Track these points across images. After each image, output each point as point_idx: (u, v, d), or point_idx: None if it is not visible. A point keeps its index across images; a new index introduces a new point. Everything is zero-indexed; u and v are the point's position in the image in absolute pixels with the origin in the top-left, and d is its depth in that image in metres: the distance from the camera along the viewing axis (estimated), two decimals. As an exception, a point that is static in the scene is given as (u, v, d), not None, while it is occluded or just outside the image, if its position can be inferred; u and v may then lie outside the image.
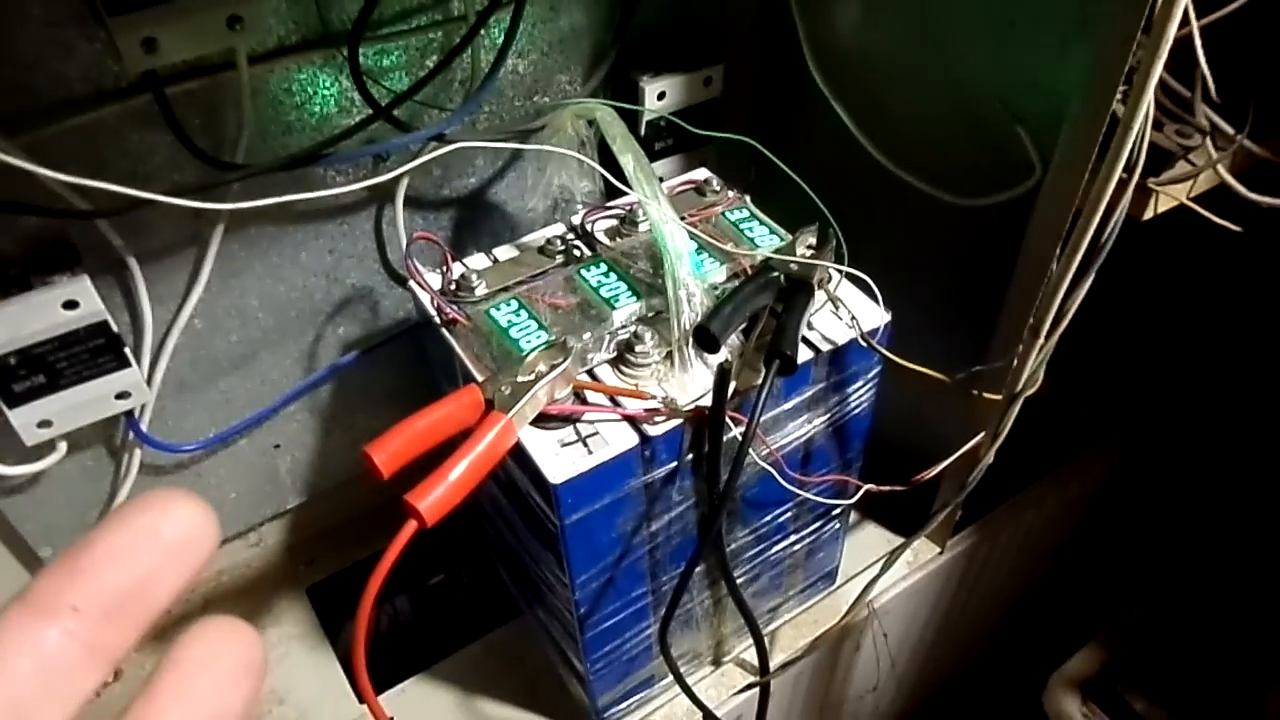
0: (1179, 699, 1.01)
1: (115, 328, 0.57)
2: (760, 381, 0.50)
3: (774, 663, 0.73)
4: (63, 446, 0.61)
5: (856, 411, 0.61)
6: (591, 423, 0.51)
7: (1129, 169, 0.46)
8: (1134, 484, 1.06)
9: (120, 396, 0.60)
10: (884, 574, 0.72)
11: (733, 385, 0.51)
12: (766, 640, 0.72)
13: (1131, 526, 1.15)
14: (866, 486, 0.64)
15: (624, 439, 0.51)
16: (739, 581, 0.66)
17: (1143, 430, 1.01)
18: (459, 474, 0.45)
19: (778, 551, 0.68)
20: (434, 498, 0.45)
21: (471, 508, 0.50)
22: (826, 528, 0.71)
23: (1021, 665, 1.14)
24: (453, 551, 0.86)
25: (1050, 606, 1.19)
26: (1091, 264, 0.48)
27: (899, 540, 0.84)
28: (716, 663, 0.75)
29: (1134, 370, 1.05)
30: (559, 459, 0.50)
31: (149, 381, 0.64)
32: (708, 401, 0.51)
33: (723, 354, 0.53)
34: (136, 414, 0.63)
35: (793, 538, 0.68)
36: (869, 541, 0.84)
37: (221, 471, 0.75)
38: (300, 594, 0.83)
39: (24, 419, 0.57)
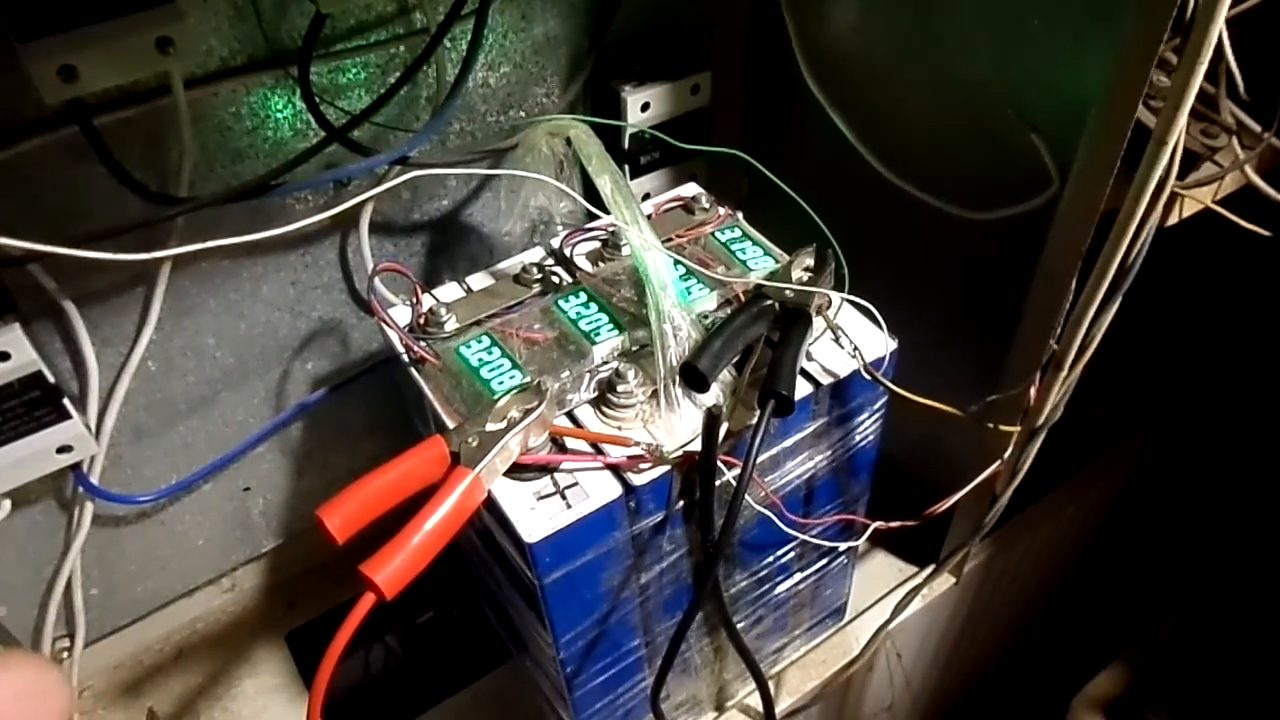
0: (1210, 721, 0.96)
1: (52, 378, 0.52)
2: (754, 424, 0.46)
3: (780, 707, 0.69)
4: (5, 505, 0.57)
5: (862, 445, 0.57)
6: (570, 472, 0.47)
7: (1162, 178, 0.41)
8: (1157, 488, 1.02)
9: (62, 450, 0.55)
10: (896, 617, 0.67)
11: (724, 427, 0.46)
12: (772, 684, 0.68)
13: (1156, 535, 1.10)
14: (875, 524, 0.59)
15: (606, 490, 0.46)
16: (740, 626, 0.61)
17: (1164, 432, 0.97)
18: (419, 541, 0.41)
19: (781, 593, 0.63)
20: (392, 569, 0.40)
21: (453, 550, 0.46)
22: (833, 564, 0.66)
23: (1043, 685, 1.09)
24: (442, 588, 0.82)
25: (1072, 621, 1.14)
26: (1119, 287, 0.43)
27: (910, 569, 0.79)
28: (719, 708, 0.70)
29: (1154, 371, 1.00)
30: (535, 514, 0.45)
31: (99, 430, 0.59)
32: (697, 446, 0.46)
33: (713, 392, 0.49)
34: (85, 466, 0.59)
35: (797, 577, 0.64)
36: (879, 571, 0.79)
37: (187, 518, 0.71)
38: (279, 641, 0.79)
39: (-43, 480, 0.53)
